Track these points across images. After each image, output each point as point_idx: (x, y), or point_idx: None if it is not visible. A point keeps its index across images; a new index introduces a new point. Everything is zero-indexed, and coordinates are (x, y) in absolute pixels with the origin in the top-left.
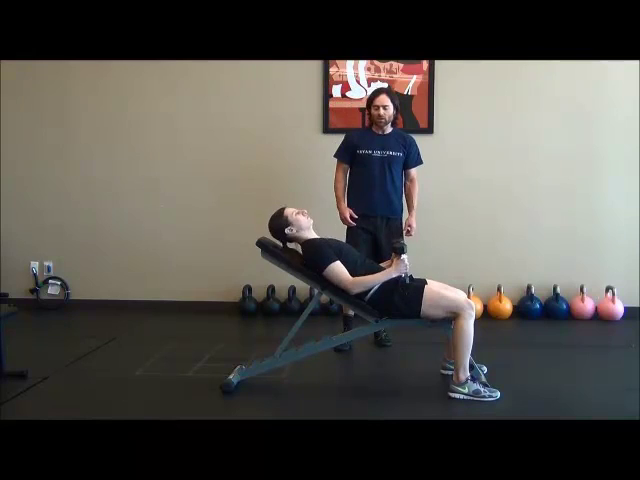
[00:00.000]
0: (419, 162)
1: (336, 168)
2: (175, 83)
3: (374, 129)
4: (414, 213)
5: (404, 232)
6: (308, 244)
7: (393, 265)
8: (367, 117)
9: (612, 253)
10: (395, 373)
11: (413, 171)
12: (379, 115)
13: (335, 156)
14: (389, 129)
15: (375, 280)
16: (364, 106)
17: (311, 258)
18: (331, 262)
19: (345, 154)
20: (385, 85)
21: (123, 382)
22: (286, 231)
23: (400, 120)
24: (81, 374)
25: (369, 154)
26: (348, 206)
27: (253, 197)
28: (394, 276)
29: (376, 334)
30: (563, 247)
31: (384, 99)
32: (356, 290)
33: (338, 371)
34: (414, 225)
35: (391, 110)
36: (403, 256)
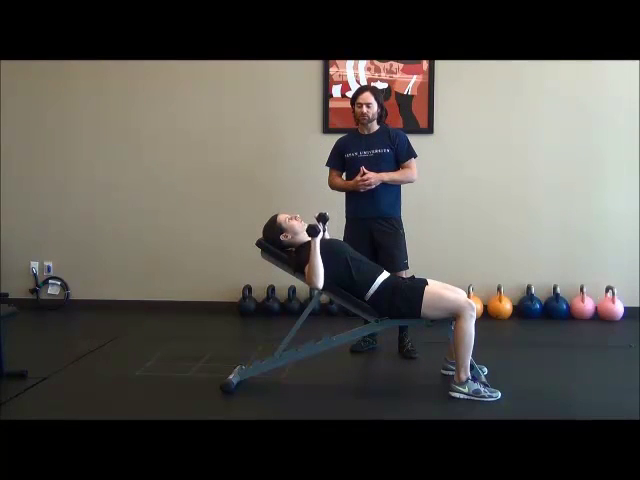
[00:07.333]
0: (412, 154)
1: (329, 175)
2: (175, 83)
3: (360, 130)
4: (383, 175)
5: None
6: (302, 248)
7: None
8: (352, 115)
9: (612, 253)
10: (395, 373)
11: (408, 163)
12: (362, 113)
13: (327, 165)
14: (375, 127)
15: (311, 258)
16: None
17: (302, 260)
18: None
19: (334, 160)
20: (377, 84)
21: (123, 382)
22: (281, 238)
23: (387, 118)
24: (81, 374)
25: (355, 156)
26: (346, 211)
27: (253, 197)
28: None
29: (400, 343)
30: (563, 247)
31: (367, 97)
32: (312, 279)
33: (338, 371)
34: (370, 175)
35: (375, 108)
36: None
